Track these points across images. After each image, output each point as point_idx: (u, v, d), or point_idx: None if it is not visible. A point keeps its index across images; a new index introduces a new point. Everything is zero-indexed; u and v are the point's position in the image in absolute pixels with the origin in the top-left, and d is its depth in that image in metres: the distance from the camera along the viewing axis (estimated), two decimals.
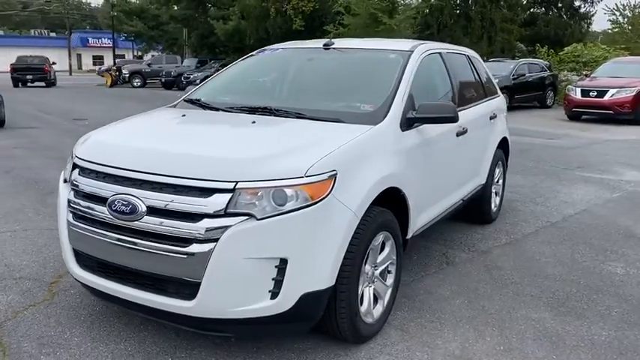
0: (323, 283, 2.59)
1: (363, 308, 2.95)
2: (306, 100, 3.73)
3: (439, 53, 4.28)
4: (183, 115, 3.53)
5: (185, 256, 2.49)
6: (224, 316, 2.54)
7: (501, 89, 16.24)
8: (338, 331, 2.85)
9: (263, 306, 2.52)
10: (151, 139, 3.12)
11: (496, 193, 5.46)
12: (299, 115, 3.28)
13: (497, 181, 5.45)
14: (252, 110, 3.45)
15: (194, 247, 2.48)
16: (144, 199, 2.58)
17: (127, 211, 2.59)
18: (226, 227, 2.45)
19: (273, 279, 2.51)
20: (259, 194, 2.49)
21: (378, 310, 3.12)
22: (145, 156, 2.76)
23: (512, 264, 4.28)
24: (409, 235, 3.43)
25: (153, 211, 2.57)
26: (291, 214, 2.49)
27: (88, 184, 2.82)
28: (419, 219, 3.56)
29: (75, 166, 2.98)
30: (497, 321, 3.33)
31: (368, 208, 2.82)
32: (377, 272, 3.10)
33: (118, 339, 3.00)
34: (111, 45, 41.46)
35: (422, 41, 4.37)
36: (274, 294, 2.51)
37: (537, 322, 3.33)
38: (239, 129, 3.24)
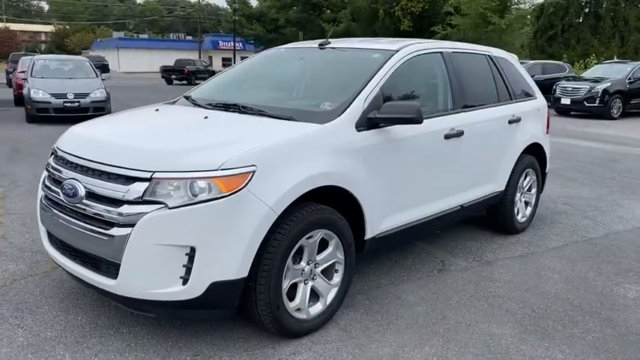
0: (233, 273, 2.68)
1: (293, 304, 2.99)
2: (276, 98, 3.82)
3: (440, 53, 4.14)
4: (156, 110, 3.78)
5: (108, 238, 2.71)
6: (142, 297, 2.72)
7: (613, 94, 15.43)
8: (261, 323, 2.92)
9: (175, 290, 2.66)
10: (108, 131, 3.40)
11: (526, 203, 5.13)
12: (260, 113, 3.38)
13: (529, 190, 5.12)
14: (226, 107, 3.60)
15: (115, 231, 2.68)
16: (84, 183, 2.85)
17: (71, 194, 2.87)
18: (143, 214, 2.63)
19: (184, 266, 2.65)
20: (175, 184, 2.64)
21: (318, 307, 3.14)
22: (92, 145, 3.04)
23: (509, 277, 4.03)
24: (367, 237, 3.38)
25: (89, 195, 2.82)
26: (202, 204, 2.61)
27: (54, 169, 3.15)
28: (385, 221, 3.50)
29: (52, 152, 3.34)
30: (448, 332, 3.19)
31: (298, 205, 2.86)
32: (318, 270, 3.12)
33: (78, 311, 3.31)
34: (239, 48, 44.36)
35: (423, 40, 4.26)
36: (185, 280, 2.65)
37: (493, 337, 3.14)
38: (187, 124, 3.42)
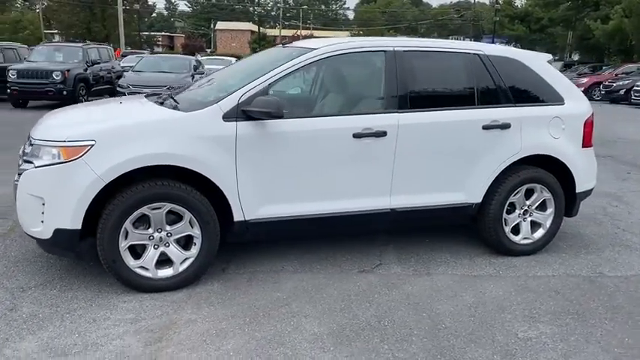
0: (68, 224, 3.38)
1: (135, 262, 3.54)
2: (200, 92, 4.27)
3: (383, 51, 4.04)
4: (120, 103, 4.57)
5: (14, 187, 3.68)
6: (28, 233, 3.64)
7: None
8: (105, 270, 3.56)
9: (39, 230, 3.50)
10: (62, 118, 4.18)
11: (535, 224, 4.50)
12: (175, 102, 3.95)
13: (541, 209, 4.48)
14: (150, 95, 4.28)
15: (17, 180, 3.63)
16: (26, 151, 3.82)
17: (20, 162, 3.86)
18: (24, 170, 3.53)
19: (42, 212, 3.46)
20: (40, 150, 3.47)
21: (168, 272, 3.62)
22: (39, 127, 3.93)
23: (413, 290, 3.79)
24: (236, 219, 3.69)
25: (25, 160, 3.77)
26: (50, 167, 3.39)
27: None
28: (264, 209, 3.73)
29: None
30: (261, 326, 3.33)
31: (140, 178, 3.42)
32: (171, 239, 3.60)
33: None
34: None
35: (365, 39, 4.21)
36: (42, 223, 3.47)
37: (295, 344, 3.19)
38: (102, 109, 4.17)
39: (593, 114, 4.64)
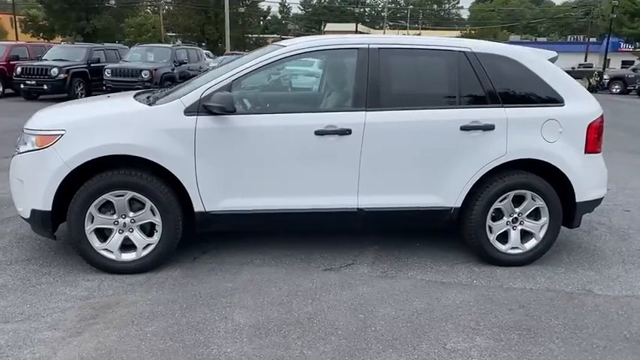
0: (40, 205, 3.72)
1: (100, 244, 3.80)
2: (184, 88, 4.43)
3: (356, 49, 4.00)
4: (108, 96, 4.86)
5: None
6: (18, 213, 4.05)
7: None
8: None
9: (21, 210, 3.89)
10: (51, 110, 4.48)
11: (526, 233, 4.23)
12: (155, 97, 4.19)
13: (534, 218, 4.19)
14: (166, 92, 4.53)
15: None
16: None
17: (15, 148, 4.31)
18: (14, 155, 3.94)
19: (24, 194, 3.85)
20: (25, 138, 3.85)
21: (131, 255, 3.86)
22: (32, 118, 4.35)
23: (366, 290, 3.72)
24: (196, 210, 3.85)
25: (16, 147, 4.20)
26: (27, 153, 3.76)
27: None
28: (224, 202, 3.85)
29: None
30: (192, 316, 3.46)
31: (103, 167, 3.69)
32: (135, 225, 3.84)
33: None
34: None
35: (341, 36, 4.18)
36: (24, 204, 3.86)
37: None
38: (89, 103, 4.46)
39: (602, 117, 4.25)
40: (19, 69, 14.86)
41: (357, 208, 4.00)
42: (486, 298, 3.67)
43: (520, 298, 3.70)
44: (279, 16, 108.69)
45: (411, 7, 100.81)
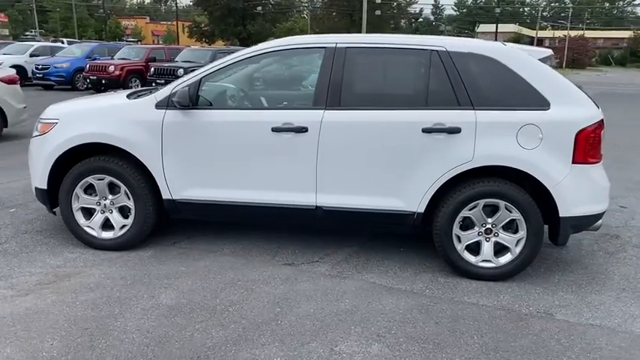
0: (39, 183, 4.30)
1: (85, 222, 4.29)
2: None
3: (323, 48, 4.02)
4: (111, 92, 5.32)
5: None
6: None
7: None
8: None
9: (33, 187, 4.52)
10: (63, 103, 5.06)
11: (501, 247, 3.94)
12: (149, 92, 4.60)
13: (512, 231, 3.88)
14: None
15: None
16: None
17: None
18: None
19: (31, 173, 4.48)
20: (36, 125, 4.48)
21: (109, 234, 4.29)
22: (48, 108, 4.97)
23: (307, 290, 3.75)
24: (164, 197, 4.17)
25: None
26: (35, 138, 4.38)
27: None
28: (189, 191, 4.12)
29: None
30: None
31: (85, 154, 4.18)
32: (114, 207, 4.27)
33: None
34: None
35: (316, 36, 4.20)
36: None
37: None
38: (95, 96, 4.93)
39: (599, 124, 3.80)
40: (152, 69, 16.65)
41: (316, 206, 4.03)
42: (422, 309, 3.50)
43: (461, 312, 3.47)
44: (432, 18, 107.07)
45: (577, 5, 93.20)
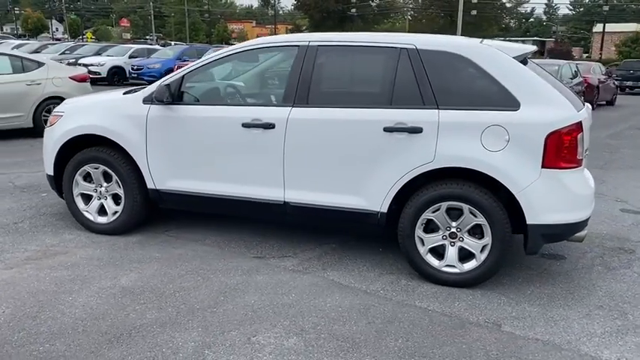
0: (48, 171, 4.76)
1: (85, 207, 4.66)
2: None
3: (297, 47, 4.09)
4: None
5: None
6: None
7: None
8: None
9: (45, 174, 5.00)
10: (74, 98, 5.47)
11: (466, 253, 3.80)
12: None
13: (478, 236, 3.72)
14: None
15: None
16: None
17: None
18: None
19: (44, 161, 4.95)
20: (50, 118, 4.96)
21: (104, 219, 4.64)
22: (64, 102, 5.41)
23: (261, 283, 3.84)
24: (149, 187, 4.44)
25: None
26: (47, 128, 4.84)
27: None
28: (171, 182, 4.35)
29: None
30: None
31: (83, 143, 4.57)
32: (108, 194, 4.61)
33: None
34: None
35: (294, 35, 4.25)
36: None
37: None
38: (106, 93, 5.27)
39: (576, 126, 3.54)
40: None
41: (284, 202, 4.10)
42: (363, 308, 3.46)
43: (401, 315, 3.39)
44: (544, 18, 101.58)
45: None
